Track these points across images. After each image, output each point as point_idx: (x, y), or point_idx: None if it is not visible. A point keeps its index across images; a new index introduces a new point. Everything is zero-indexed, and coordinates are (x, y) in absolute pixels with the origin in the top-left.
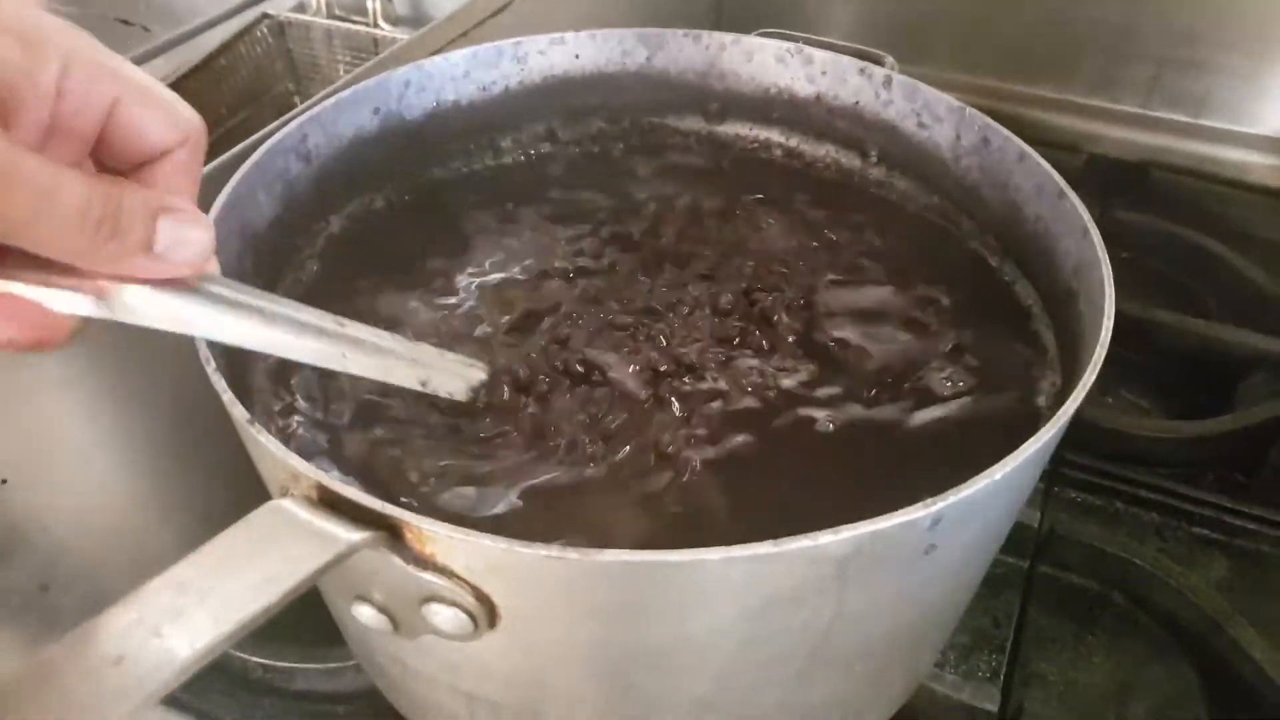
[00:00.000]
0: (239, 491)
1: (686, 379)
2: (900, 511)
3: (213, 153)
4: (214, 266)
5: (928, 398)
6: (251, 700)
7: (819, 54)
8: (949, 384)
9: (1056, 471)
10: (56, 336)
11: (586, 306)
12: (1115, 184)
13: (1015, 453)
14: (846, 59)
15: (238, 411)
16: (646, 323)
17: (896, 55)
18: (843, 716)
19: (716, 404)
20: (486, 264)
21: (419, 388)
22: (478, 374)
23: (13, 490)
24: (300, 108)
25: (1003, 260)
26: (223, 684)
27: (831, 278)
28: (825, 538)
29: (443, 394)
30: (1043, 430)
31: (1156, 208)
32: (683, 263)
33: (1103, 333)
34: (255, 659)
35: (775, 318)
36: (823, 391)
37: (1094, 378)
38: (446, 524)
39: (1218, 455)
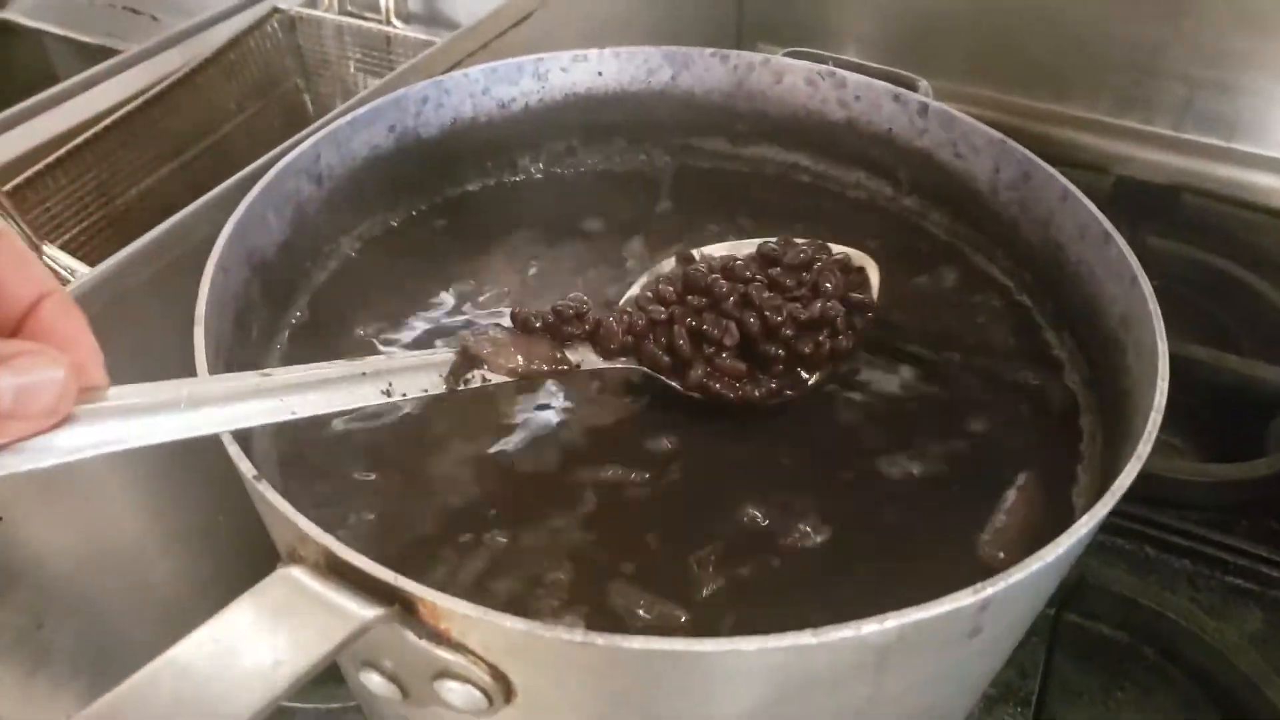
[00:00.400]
0: (241, 528)
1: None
2: (948, 598)
3: (221, 152)
4: (103, 379)
5: (957, 457)
6: None
7: (852, 78)
8: (978, 443)
9: None
10: None
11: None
12: (1145, 207)
13: (1068, 532)
14: (880, 84)
15: (245, 466)
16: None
17: (921, 70)
18: None
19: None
20: (500, 285)
21: (385, 399)
22: (444, 356)
23: (9, 527)
24: (314, 125)
25: (1041, 301)
26: None
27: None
28: (869, 627)
29: (415, 394)
30: (1097, 506)
31: (1187, 233)
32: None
33: (1157, 395)
34: None
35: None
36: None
37: (1149, 449)
38: (463, 601)
39: (1252, 500)
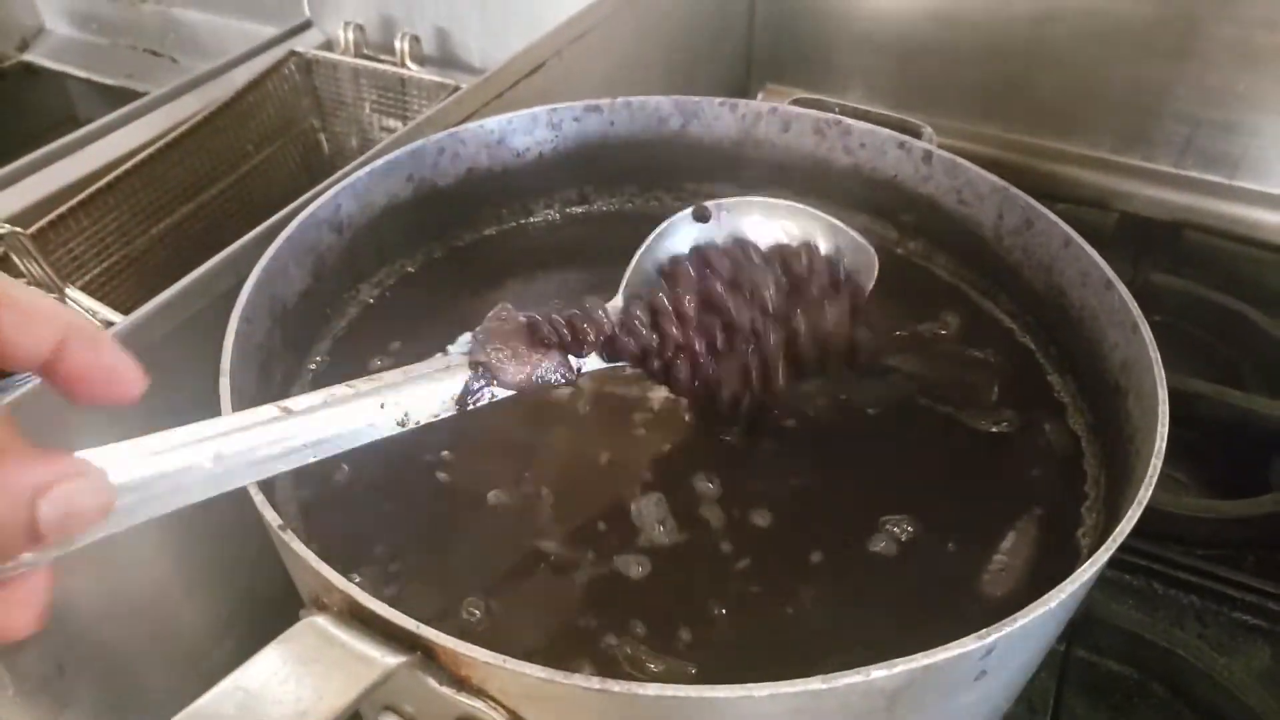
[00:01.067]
0: (260, 569)
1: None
2: (954, 644)
3: (238, 192)
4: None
5: (962, 497)
6: None
7: (858, 126)
8: (983, 483)
9: None
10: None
11: None
12: (1147, 243)
13: (1071, 578)
14: (885, 132)
15: (270, 516)
16: None
17: (927, 110)
18: None
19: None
20: None
21: (400, 429)
22: (455, 382)
23: None
24: (334, 177)
25: (1044, 345)
26: None
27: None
28: (877, 673)
29: (426, 420)
30: (1099, 552)
31: (1190, 269)
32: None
33: (1157, 441)
34: None
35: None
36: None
37: (1149, 494)
38: (482, 649)
39: (1258, 536)
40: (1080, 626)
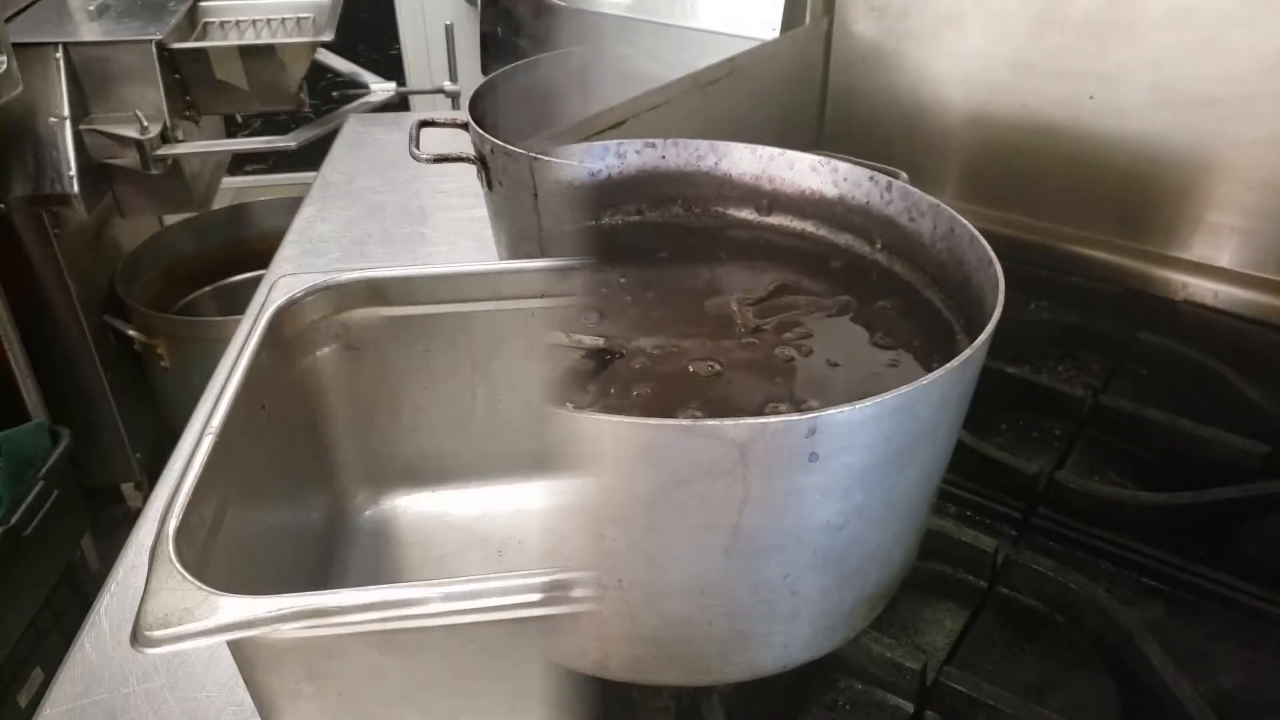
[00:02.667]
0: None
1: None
2: (784, 416)
3: None
4: None
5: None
6: None
7: (843, 165)
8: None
9: (1028, 522)
10: None
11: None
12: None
13: (886, 394)
14: (861, 169)
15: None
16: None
17: (960, 194)
18: (768, 619)
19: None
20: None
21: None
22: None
23: None
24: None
25: (956, 316)
26: None
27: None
28: (727, 423)
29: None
30: (926, 379)
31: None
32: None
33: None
34: None
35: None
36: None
37: (987, 338)
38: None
39: (1176, 523)
40: (1003, 569)
